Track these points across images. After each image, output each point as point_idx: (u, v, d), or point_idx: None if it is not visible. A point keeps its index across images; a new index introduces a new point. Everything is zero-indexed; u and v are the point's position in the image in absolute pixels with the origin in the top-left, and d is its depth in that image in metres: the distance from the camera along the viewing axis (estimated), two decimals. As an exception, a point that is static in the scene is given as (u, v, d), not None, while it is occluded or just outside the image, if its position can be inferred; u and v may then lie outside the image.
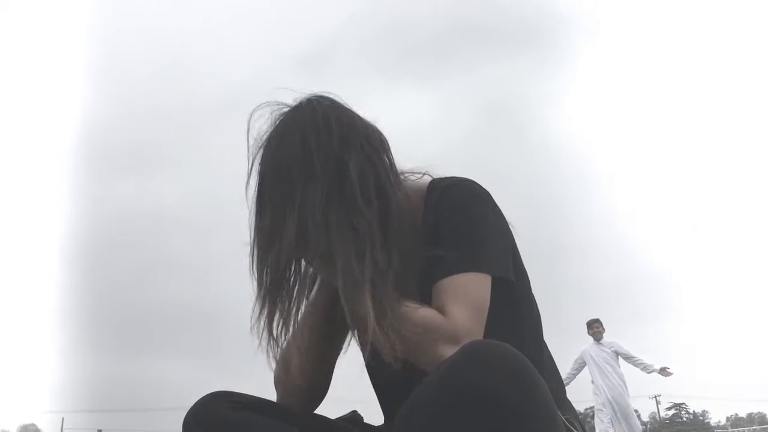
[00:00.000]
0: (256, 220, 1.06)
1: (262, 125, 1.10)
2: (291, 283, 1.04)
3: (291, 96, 1.12)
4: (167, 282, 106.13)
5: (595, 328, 8.45)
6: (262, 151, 1.08)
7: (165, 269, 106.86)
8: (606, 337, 8.48)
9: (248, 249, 1.05)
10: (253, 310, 1.03)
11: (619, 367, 8.38)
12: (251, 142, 1.09)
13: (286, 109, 1.10)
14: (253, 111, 1.11)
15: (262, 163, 1.07)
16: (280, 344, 1.04)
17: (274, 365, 1.08)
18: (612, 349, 8.37)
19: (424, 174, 1.18)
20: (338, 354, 1.18)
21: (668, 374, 8.09)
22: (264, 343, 1.03)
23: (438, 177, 1.16)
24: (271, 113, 1.10)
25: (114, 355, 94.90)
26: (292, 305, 1.04)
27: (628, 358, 8.36)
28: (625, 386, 8.27)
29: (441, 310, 1.00)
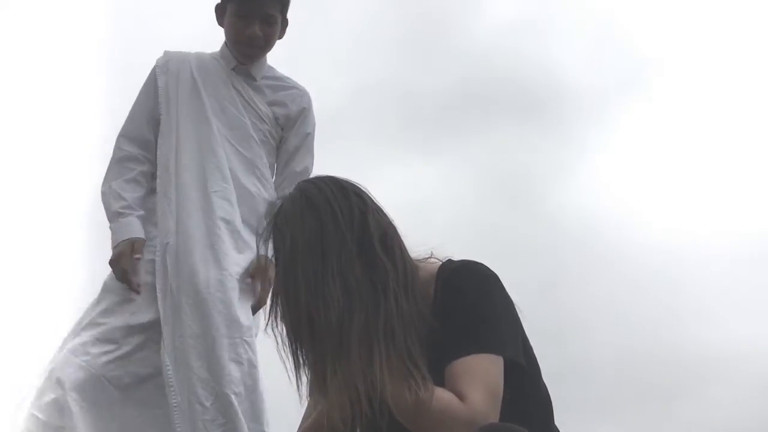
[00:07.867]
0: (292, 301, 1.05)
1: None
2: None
3: None
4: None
5: None
6: (284, 228, 1.09)
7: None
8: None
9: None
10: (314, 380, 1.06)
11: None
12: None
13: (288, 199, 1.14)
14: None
15: (287, 239, 1.08)
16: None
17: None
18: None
19: (430, 255, 1.21)
20: None
21: None
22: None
23: (448, 259, 1.19)
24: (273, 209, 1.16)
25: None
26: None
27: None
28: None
29: (459, 395, 1.01)
